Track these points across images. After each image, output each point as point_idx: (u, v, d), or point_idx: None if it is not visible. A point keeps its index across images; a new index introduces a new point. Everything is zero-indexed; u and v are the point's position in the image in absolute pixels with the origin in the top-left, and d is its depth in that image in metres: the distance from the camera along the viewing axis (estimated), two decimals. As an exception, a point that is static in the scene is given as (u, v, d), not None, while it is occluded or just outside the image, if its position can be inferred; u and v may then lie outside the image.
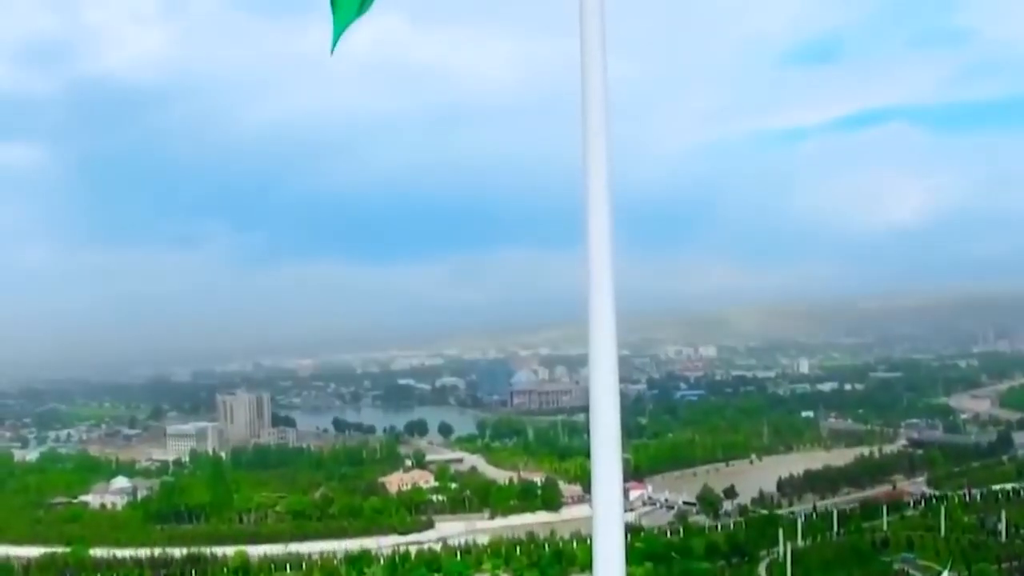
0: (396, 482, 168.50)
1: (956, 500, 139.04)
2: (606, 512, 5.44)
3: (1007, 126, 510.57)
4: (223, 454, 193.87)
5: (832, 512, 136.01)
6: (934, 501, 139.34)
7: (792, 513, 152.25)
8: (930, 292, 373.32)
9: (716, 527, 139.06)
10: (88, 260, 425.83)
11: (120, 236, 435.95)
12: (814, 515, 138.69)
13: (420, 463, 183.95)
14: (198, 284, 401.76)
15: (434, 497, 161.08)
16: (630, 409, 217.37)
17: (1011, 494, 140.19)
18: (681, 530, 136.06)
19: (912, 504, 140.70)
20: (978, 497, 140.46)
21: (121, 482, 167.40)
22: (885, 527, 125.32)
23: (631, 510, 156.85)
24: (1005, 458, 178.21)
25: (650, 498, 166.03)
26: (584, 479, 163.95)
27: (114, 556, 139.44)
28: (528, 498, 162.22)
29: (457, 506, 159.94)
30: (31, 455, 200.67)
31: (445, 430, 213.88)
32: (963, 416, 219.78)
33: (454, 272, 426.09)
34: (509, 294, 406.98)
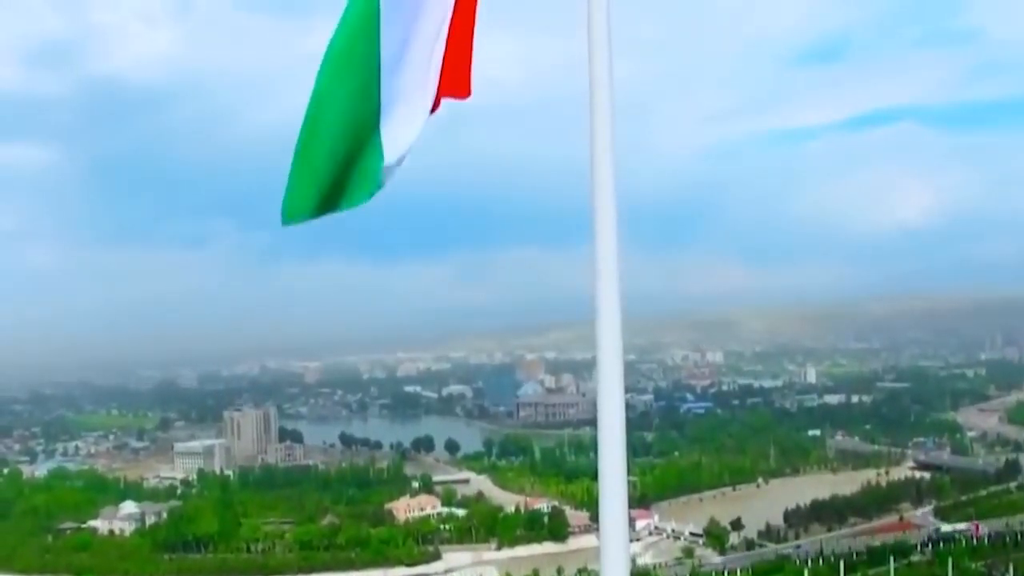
0: (403, 508, 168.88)
1: (964, 543, 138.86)
2: (613, 556, 5.51)
3: (1016, 126, 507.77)
4: (230, 473, 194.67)
5: (839, 553, 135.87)
6: (941, 545, 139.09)
7: (799, 547, 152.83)
8: (938, 294, 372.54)
9: (723, 572, 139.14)
10: (95, 260, 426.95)
11: (126, 236, 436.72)
12: (820, 558, 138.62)
13: (427, 485, 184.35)
14: (204, 284, 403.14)
15: (441, 526, 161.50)
16: (637, 423, 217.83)
17: (1019, 536, 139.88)
18: (688, 574, 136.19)
19: (919, 547, 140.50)
20: (986, 540, 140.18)
21: (129, 507, 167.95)
22: (892, 575, 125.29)
23: (638, 540, 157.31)
24: (1013, 485, 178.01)
25: (657, 528, 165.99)
26: (590, 504, 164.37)
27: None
28: (535, 527, 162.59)
29: (464, 535, 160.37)
30: (39, 471, 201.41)
31: (452, 447, 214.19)
32: (971, 433, 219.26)
33: (460, 272, 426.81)
34: (515, 294, 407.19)
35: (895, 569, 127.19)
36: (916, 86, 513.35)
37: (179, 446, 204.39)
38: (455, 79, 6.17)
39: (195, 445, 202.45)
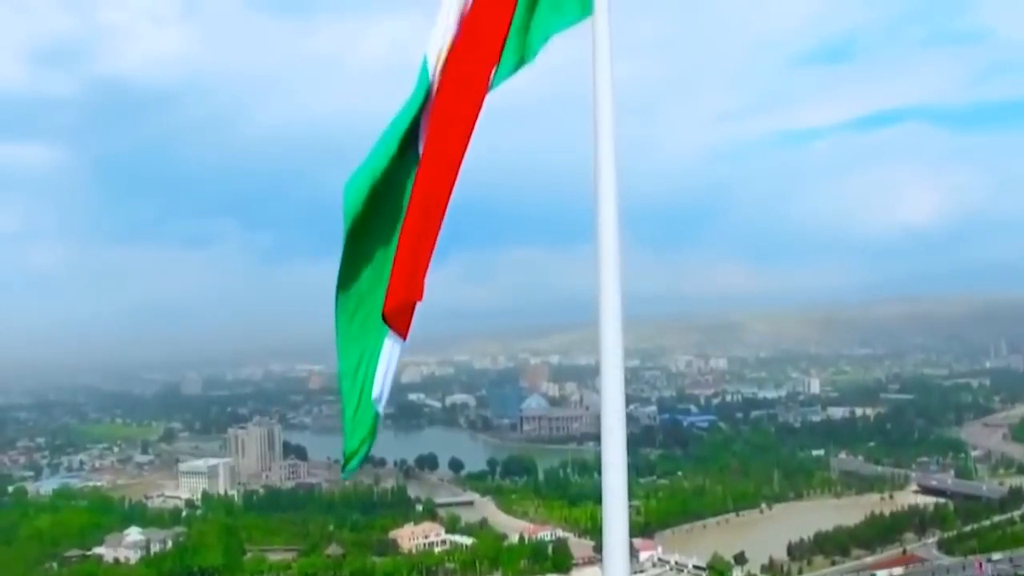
0: (407, 536, 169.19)
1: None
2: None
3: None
4: (234, 494, 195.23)
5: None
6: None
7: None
8: (944, 297, 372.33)
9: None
10: (100, 261, 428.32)
11: (132, 236, 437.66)
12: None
13: (430, 510, 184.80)
14: (209, 284, 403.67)
15: (445, 559, 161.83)
16: (640, 438, 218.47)
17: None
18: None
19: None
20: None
21: (134, 534, 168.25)
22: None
23: (641, 572, 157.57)
24: (1017, 515, 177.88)
25: (660, 559, 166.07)
26: (594, 531, 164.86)
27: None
28: (539, 558, 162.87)
29: (468, 567, 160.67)
30: (44, 488, 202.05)
31: (455, 464, 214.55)
32: (975, 453, 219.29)
33: (465, 272, 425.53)
34: (520, 295, 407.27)
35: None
36: (923, 86, 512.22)
37: (183, 466, 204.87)
38: (409, 283, 5.89)
39: (199, 464, 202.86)
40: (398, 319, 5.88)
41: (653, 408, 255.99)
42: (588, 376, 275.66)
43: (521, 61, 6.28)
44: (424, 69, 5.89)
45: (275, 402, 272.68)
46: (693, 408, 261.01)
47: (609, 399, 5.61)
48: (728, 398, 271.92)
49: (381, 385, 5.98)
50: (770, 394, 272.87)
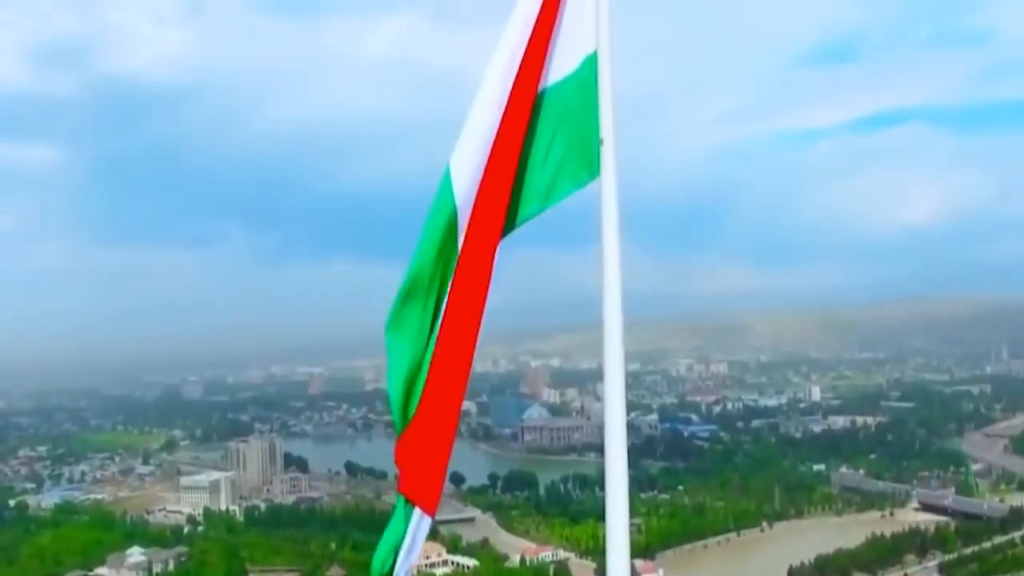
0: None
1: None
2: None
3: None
4: (236, 509, 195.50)
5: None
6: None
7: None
8: (946, 300, 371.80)
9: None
10: (103, 260, 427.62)
11: (135, 236, 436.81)
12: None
13: (431, 528, 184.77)
14: (212, 284, 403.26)
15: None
16: (641, 449, 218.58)
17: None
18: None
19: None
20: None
21: (136, 555, 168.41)
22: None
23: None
24: (1018, 536, 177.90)
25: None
26: (596, 551, 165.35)
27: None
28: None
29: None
30: (45, 501, 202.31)
31: (456, 478, 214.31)
32: (976, 467, 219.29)
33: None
34: (523, 295, 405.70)
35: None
36: (926, 87, 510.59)
37: (185, 480, 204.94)
38: (424, 486, 5.60)
39: (201, 479, 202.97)
40: (416, 490, 5.57)
41: (654, 416, 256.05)
42: (589, 380, 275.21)
43: (514, 224, 6.00)
44: (447, 178, 5.61)
45: (276, 408, 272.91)
46: (694, 416, 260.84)
47: (611, 413, 5.50)
48: (729, 406, 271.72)
49: (402, 563, 5.62)
50: (771, 402, 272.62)
